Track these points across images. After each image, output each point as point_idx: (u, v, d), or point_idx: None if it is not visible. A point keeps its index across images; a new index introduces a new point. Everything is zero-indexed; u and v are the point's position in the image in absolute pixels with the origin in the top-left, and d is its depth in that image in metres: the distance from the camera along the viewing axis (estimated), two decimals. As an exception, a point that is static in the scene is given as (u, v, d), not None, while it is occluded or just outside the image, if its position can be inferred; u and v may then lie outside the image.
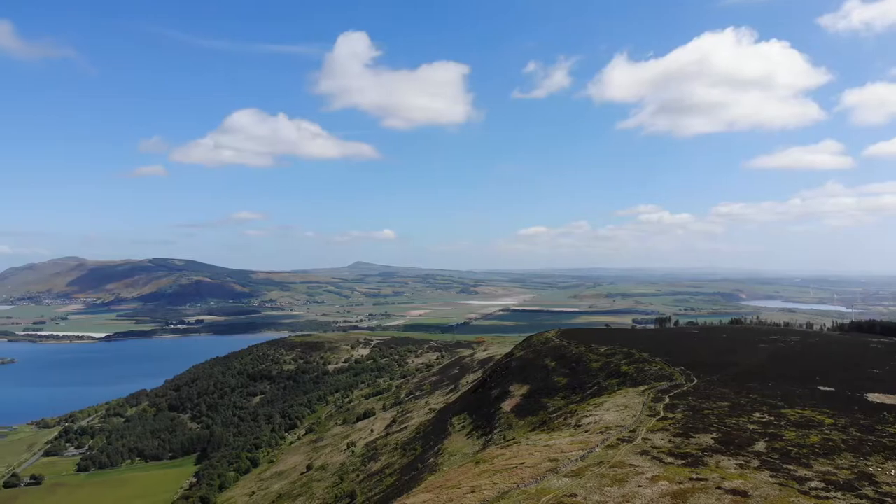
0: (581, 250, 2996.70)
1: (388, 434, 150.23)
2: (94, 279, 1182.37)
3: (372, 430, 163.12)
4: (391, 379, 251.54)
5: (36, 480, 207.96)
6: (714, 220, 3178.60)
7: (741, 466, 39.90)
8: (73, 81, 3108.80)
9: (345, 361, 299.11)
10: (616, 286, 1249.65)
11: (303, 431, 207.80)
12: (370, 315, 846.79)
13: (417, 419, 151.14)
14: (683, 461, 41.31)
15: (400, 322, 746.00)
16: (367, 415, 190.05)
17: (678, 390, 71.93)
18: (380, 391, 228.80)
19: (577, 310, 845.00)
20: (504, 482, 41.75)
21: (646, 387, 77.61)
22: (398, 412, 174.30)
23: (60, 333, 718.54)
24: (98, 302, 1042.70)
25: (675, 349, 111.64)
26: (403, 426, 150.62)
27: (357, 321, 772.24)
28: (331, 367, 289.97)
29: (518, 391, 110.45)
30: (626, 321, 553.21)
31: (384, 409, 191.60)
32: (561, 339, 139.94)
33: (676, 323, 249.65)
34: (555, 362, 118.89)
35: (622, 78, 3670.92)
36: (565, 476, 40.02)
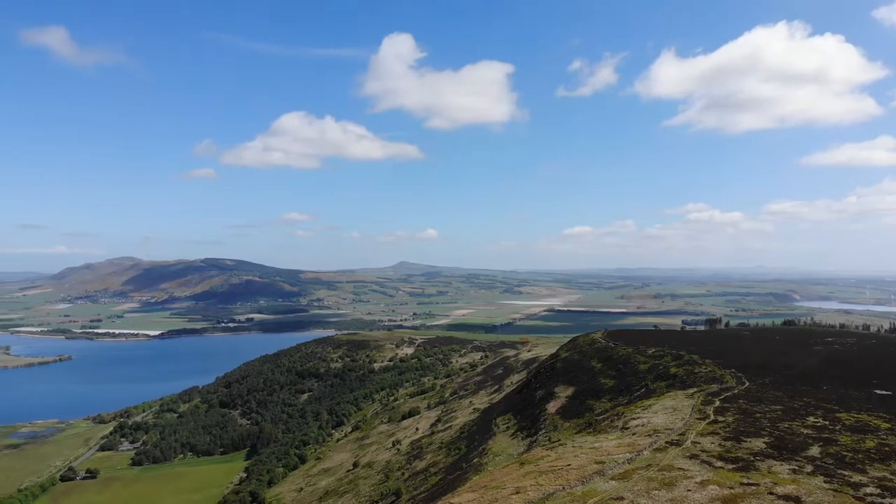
0: (628, 250, 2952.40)
1: (432, 433, 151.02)
2: (149, 278, 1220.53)
3: (417, 429, 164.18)
4: (435, 378, 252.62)
5: (91, 474, 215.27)
6: (766, 218, 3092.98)
7: (794, 471, 38.95)
8: (128, 87, 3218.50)
9: (390, 360, 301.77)
10: (664, 286, 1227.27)
11: (349, 429, 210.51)
12: (414, 314, 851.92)
13: (462, 419, 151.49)
14: (734, 465, 40.53)
15: (444, 321, 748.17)
16: (411, 413, 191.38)
17: (729, 393, 70.45)
18: (424, 390, 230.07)
19: (624, 310, 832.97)
20: (549, 483, 41.70)
21: (695, 389, 76.21)
22: (442, 411, 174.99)
23: (116, 331, 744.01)
24: (152, 301, 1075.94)
25: (725, 351, 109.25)
26: (448, 425, 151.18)
27: (401, 320, 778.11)
28: (376, 366, 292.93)
29: (563, 392, 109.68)
30: (675, 322, 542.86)
31: (429, 407, 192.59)
32: (607, 340, 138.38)
33: (727, 324, 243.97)
34: (601, 364, 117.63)
35: (670, 74, 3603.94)
36: (612, 479, 39.75)
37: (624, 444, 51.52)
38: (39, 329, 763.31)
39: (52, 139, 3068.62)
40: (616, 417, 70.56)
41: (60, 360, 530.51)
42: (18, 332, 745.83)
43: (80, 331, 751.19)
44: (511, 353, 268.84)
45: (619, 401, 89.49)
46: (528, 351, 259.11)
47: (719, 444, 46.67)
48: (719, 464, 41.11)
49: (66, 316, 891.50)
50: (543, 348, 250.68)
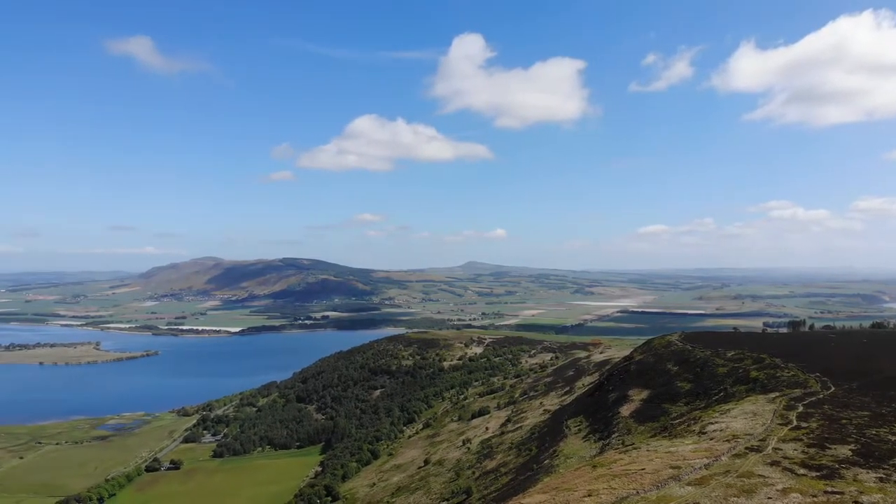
0: (706, 249, 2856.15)
1: (502, 433, 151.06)
2: (230, 278, 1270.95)
3: (487, 428, 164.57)
4: (504, 378, 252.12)
5: (175, 465, 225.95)
6: (853, 216, 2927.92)
7: (881, 480, 37.28)
8: (209, 93, 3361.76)
9: (459, 359, 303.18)
10: (745, 287, 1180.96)
11: (420, 426, 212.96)
12: (483, 314, 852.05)
13: (532, 419, 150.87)
14: (818, 473, 39.12)
15: (512, 321, 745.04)
16: (481, 412, 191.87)
17: (813, 398, 67.63)
18: (493, 390, 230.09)
19: (702, 312, 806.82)
20: (622, 487, 41.38)
21: (777, 394, 73.47)
22: (512, 411, 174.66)
23: (199, 328, 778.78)
24: (233, 299, 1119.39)
25: (809, 354, 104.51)
26: (518, 426, 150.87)
27: (470, 319, 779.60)
28: (446, 364, 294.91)
29: (637, 396, 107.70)
30: (756, 324, 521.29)
31: (498, 407, 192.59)
32: (684, 342, 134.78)
33: (811, 326, 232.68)
34: (677, 367, 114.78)
35: (749, 67, 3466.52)
36: (688, 484, 39.10)
37: (701, 449, 50.40)
38: (128, 326, 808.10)
39: (143, 145, 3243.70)
40: (693, 422, 68.89)
41: (147, 355, 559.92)
42: (108, 328, 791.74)
43: (166, 327, 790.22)
44: (582, 354, 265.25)
45: (696, 405, 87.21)
46: (601, 353, 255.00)
47: (802, 451, 45.05)
48: (802, 471, 39.76)
49: (152, 313, 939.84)
50: (616, 350, 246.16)
